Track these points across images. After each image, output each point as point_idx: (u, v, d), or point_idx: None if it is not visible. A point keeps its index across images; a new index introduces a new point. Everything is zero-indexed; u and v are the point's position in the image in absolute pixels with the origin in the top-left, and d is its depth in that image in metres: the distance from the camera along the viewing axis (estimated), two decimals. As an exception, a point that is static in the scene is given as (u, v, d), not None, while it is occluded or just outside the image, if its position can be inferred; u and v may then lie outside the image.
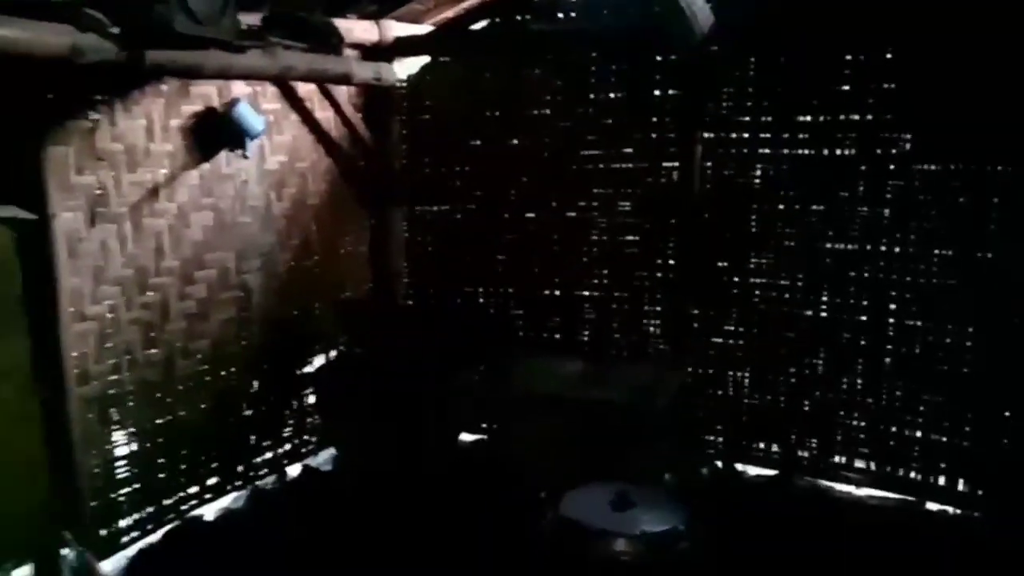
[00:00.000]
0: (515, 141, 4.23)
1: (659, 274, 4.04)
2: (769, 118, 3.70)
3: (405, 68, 4.26)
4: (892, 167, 3.52)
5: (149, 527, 3.45)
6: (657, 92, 3.89)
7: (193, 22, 2.35)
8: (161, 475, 3.49)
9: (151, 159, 3.33)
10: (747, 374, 3.93)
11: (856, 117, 3.54)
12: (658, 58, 3.86)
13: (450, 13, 4.19)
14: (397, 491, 3.65)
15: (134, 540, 3.39)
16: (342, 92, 4.05)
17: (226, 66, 2.77)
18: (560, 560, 2.70)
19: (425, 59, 4.29)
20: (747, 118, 3.74)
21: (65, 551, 2.93)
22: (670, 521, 2.63)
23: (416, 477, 3.78)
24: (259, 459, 3.97)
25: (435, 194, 4.47)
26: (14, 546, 2.66)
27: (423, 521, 3.43)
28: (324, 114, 4.07)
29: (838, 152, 3.61)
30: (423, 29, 4.20)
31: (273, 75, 3.21)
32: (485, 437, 4.38)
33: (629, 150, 3.99)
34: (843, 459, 3.78)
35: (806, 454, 3.86)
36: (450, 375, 3.91)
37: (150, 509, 3.45)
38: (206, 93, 3.48)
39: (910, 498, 3.65)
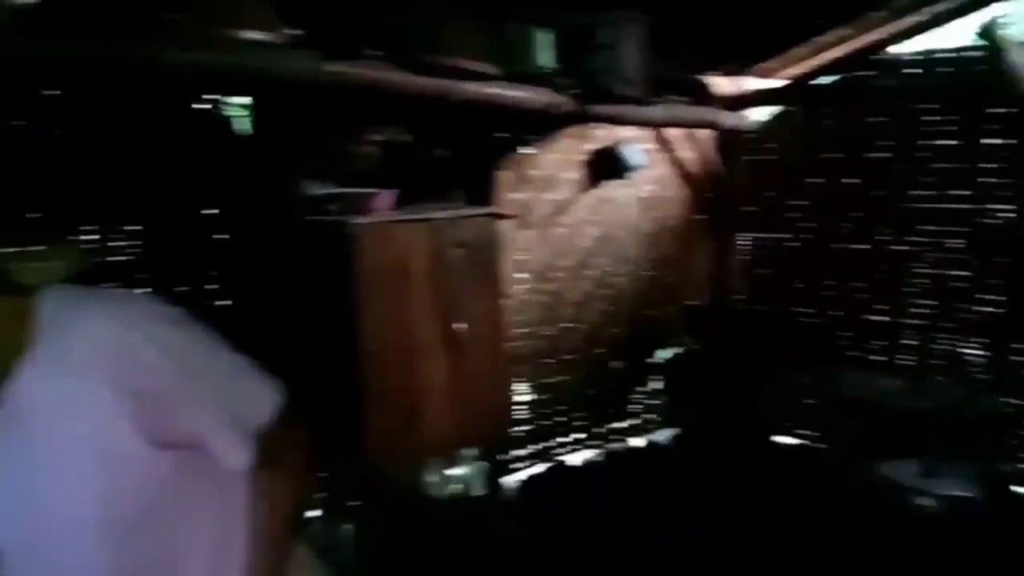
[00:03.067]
0: (848, 180, 4.86)
1: (985, 308, 4.44)
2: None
3: (756, 115, 5.06)
4: None
5: (534, 460, 4.53)
6: (990, 141, 4.34)
7: (624, 85, 3.36)
8: (544, 423, 4.56)
9: (560, 184, 4.44)
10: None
11: None
12: (991, 111, 4.32)
13: (799, 70, 4.92)
14: (731, 470, 4.38)
15: (521, 468, 4.48)
16: (702, 135, 4.96)
17: (637, 116, 3.76)
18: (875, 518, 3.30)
19: (773, 108, 5.06)
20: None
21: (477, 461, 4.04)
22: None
23: (745, 461, 4.50)
24: (613, 426, 4.93)
25: (773, 224, 5.19)
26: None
27: (748, 500, 4.11)
28: (686, 154, 4.99)
29: None
30: (774, 83, 4.98)
31: (666, 123, 4.19)
32: (798, 440, 5.00)
33: (960, 192, 4.47)
34: None
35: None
36: (780, 376, 4.62)
37: (535, 447, 4.54)
38: (602, 135, 4.54)
39: None
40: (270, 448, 1.20)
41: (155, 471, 1.15)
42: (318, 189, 2.95)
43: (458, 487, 3.41)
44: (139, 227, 3.04)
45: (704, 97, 4.37)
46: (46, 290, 1.15)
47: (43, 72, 2.54)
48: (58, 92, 2.76)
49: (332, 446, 2.81)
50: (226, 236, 3.17)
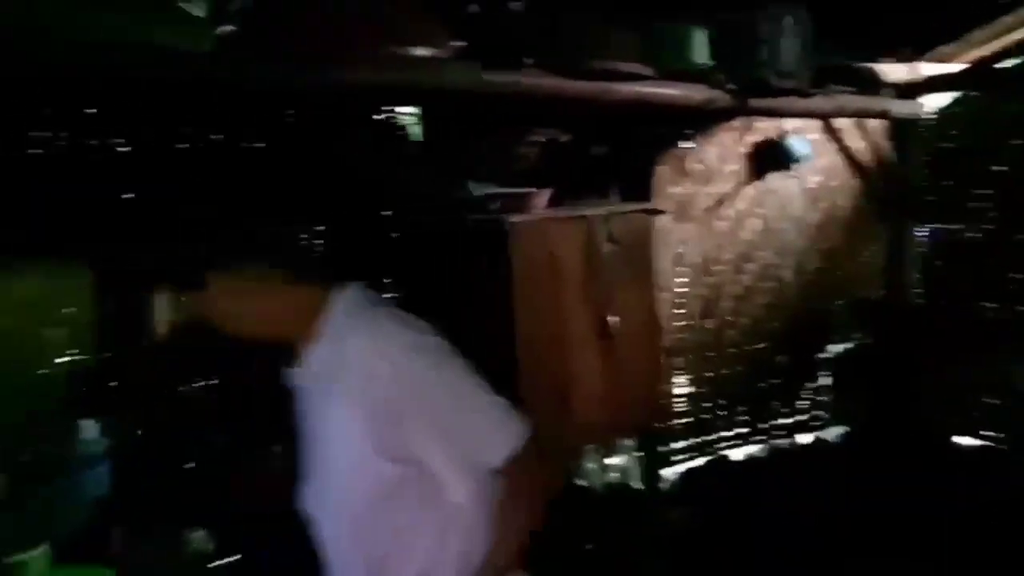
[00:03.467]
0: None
1: None
2: None
3: (932, 102, 4.84)
4: None
5: (693, 453, 4.57)
6: None
7: (783, 78, 3.36)
8: (705, 416, 4.59)
9: (720, 177, 4.45)
10: None
11: None
12: None
13: (980, 53, 4.67)
14: (904, 470, 4.25)
15: (681, 461, 4.54)
16: (874, 123, 4.80)
17: (798, 108, 3.73)
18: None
19: (952, 94, 4.82)
20: None
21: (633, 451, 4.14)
22: None
23: (920, 462, 4.34)
24: (777, 422, 4.88)
25: (952, 214, 4.95)
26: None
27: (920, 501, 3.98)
28: (855, 143, 4.85)
29: None
30: (953, 68, 4.75)
31: (827, 114, 4.12)
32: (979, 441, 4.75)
33: None
34: None
35: None
36: (959, 374, 4.42)
37: (695, 440, 4.58)
38: (764, 127, 4.51)
39: None
40: (508, 484, 1.33)
41: (381, 476, 1.33)
42: (481, 190, 3.15)
43: (615, 476, 3.53)
44: (323, 227, 3.36)
45: (874, 85, 4.25)
46: (340, 291, 1.39)
47: (245, 95, 2.88)
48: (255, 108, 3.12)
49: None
50: (398, 235, 3.46)
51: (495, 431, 1.34)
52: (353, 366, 1.31)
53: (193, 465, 2.83)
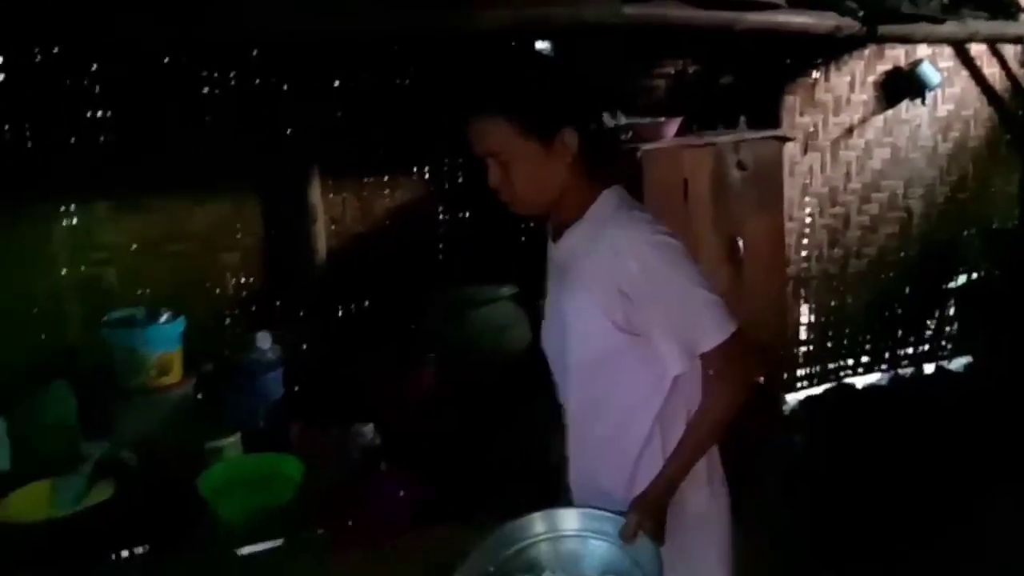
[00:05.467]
0: None
1: None
2: None
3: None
4: None
5: (815, 381, 4.66)
6: None
7: (912, 4, 3.35)
8: (828, 344, 4.66)
9: (849, 106, 4.43)
10: None
11: None
12: None
13: None
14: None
15: (802, 388, 4.63)
16: (1008, 49, 4.66)
17: (928, 34, 3.69)
18: None
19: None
20: None
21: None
22: None
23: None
24: (901, 351, 4.89)
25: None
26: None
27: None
28: (990, 70, 4.72)
29: None
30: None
31: (960, 40, 4.04)
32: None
33: None
34: None
35: None
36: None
37: (817, 368, 4.65)
38: (895, 55, 4.45)
39: None
40: (716, 368, 1.56)
41: (611, 339, 1.59)
42: (614, 121, 3.30)
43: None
44: (462, 158, 3.58)
45: (1009, 9, 4.12)
46: (609, 190, 1.63)
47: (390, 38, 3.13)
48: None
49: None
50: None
51: (710, 322, 1.53)
52: (605, 251, 1.54)
53: (353, 371, 3.12)
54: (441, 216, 3.59)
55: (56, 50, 2.88)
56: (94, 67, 2.95)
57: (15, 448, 2.60)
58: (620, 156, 3.19)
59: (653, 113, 3.44)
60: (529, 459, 2.51)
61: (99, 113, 2.99)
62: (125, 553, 2.25)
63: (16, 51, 2.82)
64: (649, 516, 1.52)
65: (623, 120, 3.30)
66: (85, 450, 2.54)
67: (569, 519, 1.60)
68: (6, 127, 2.87)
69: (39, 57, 2.87)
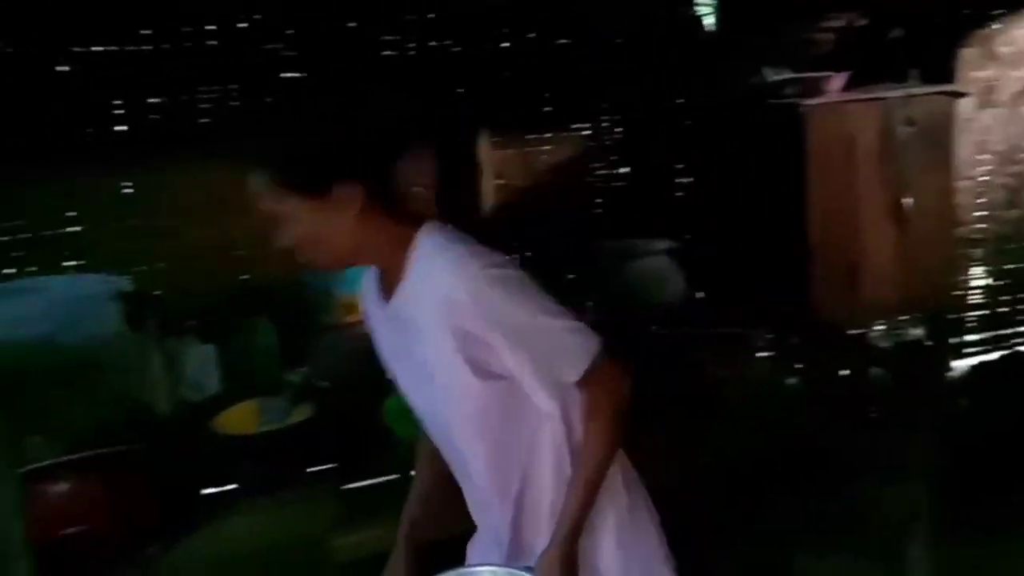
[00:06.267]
0: None
1: None
2: None
3: None
4: None
5: (987, 347, 4.49)
6: None
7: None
8: (1002, 309, 4.47)
9: (1032, 59, 4.20)
10: None
11: None
12: None
13: None
14: None
15: (973, 353, 4.48)
16: None
17: None
18: None
19: None
20: None
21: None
22: None
23: None
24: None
25: None
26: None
27: None
28: None
29: None
30: None
31: None
32: None
33: None
34: None
35: None
36: None
37: (989, 334, 4.49)
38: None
39: None
40: (588, 399, 1.46)
41: (484, 392, 1.45)
42: (776, 75, 3.31)
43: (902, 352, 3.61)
44: (620, 116, 3.71)
45: None
46: (425, 231, 1.46)
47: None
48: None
49: (779, 301, 3.26)
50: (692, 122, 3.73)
51: (568, 350, 1.41)
52: (441, 297, 1.39)
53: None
54: (600, 171, 3.72)
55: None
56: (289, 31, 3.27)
57: (224, 373, 2.99)
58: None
59: (818, 68, 3.42)
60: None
61: (293, 74, 3.31)
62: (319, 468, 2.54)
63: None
64: (556, 568, 1.42)
65: (787, 75, 3.31)
66: (285, 377, 2.87)
67: None
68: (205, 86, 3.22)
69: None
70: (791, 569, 2.57)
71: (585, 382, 1.44)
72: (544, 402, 1.48)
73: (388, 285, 1.52)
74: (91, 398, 2.60)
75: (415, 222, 1.48)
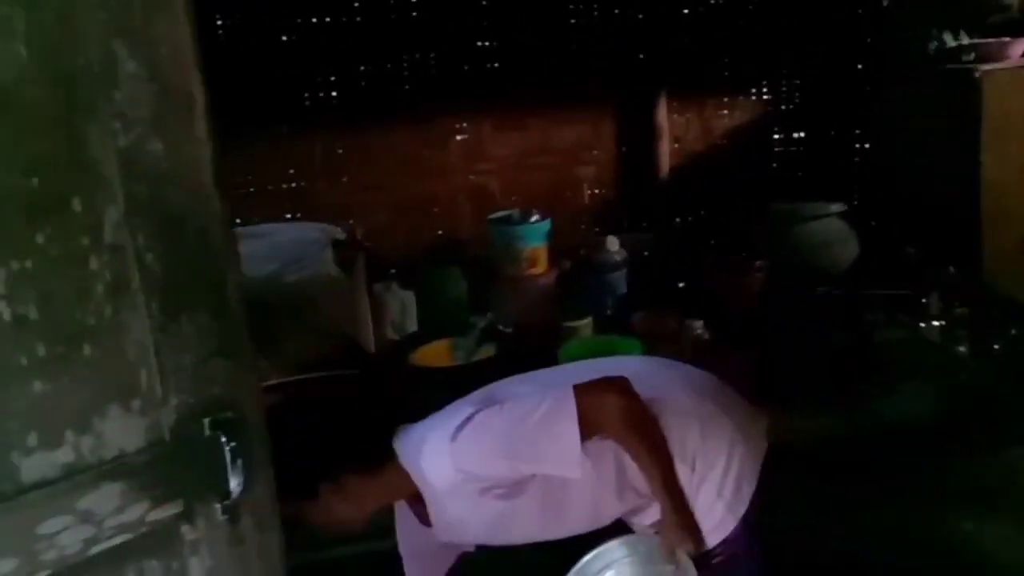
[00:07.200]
0: None
1: None
2: None
3: None
4: None
5: None
6: None
7: None
8: None
9: None
10: None
11: None
12: None
13: None
14: None
15: None
16: None
17: None
18: None
19: None
20: None
21: None
22: None
23: None
24: None
25: None
26: None
27: None
28: None
29: None
30: None
31: None
32: None
33: None
34: None
35: None
36: None
37: None
38: None
39: None
40: (604, 432, 1.48)
41: (499, 502, 1.50)
42: (955, 40, 3.29)
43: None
44: (799, 81, 3.78)
45: None
46: (396, 442, 1.52)
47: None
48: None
49: (950, 264, 3.25)
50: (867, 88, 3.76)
51: (556, 434, 1.44)
52: (451, 438, 1.46)
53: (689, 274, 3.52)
54: (776, 135, 3.82)
55: None
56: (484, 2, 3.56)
57: (421, 315, 3.35)
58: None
59: (1002, 33, 3.36)
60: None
61: (486, 43, 3.59)
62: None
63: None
64: (680, 534, 1.49)
65: (965, 40, 3.28)
66: (472, 320, 3.18)
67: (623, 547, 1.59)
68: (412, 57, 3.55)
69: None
70: (944, 530, 2.61)
71: (585, 429, 1.44)
72: (571, 472, 1.47)
73: (423, 515, 1.59)
74: (310, 330, 2.98)
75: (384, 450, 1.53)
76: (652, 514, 1.56)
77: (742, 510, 1.56)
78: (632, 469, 1.52)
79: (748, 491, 1.58)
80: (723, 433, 1.58)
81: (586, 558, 1.58)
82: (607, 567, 1.58)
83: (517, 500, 1.50)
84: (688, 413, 1.57)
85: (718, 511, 1.55)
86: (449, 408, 1.55)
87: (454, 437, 1.44)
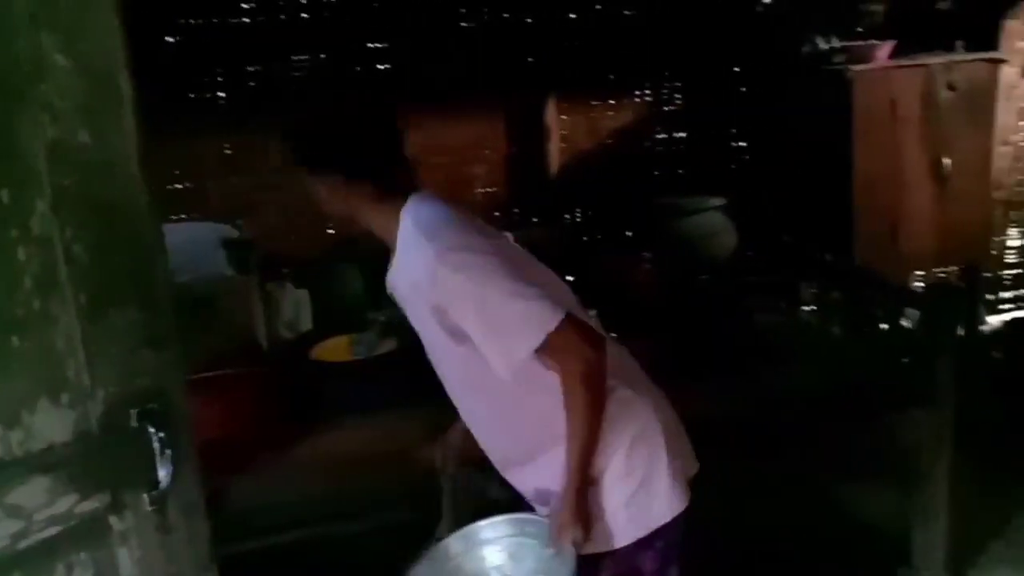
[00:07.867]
0: None
1: None
2: None
3: None
4: None
5: (1021, 304, 4.66)
6: None
7: None
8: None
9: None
10: None
11: None
12: None
13: None
14: None
15: (1008, 310, 4.65)
16: None
17: None
18: None
19: None
20: None
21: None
22: None
23: None
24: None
25: None
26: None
27: None
28: None
29: None
30: None
31: None
32: None
33: None
34: None
35: None
36: None
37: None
38: None
39: None
40: (556, 367, 1.48)
41: (465, 356, 1.51)
42: (827, 43, 3.54)
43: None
44: (680, 83, 3.96)
45: None
46: (409, 207, 1.53)
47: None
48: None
49: (824, 251, 3.50)
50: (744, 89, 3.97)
51: (519, 329, 1.44)
52: (409, 278, 1.51)
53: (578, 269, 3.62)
54: (659, 134, 3.99)
55: None
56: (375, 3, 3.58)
57: (317, 313, 3.34)
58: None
59: (870, 37, 3.63)
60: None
61: (377, 44, 3.62)
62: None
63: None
64: (568, 522, 1.48)
65: (837, 43, 3.53)
66: (371, 316, 3.20)
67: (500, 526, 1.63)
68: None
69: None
70: (827, 495, 2.81)
71: (548, 354, 1.46)
72: (497, 369, 1.47)
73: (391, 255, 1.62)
74: (206, 329, 2.94)
75: (405, 197, 1.55)
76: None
77: (644, 532, 1.55)
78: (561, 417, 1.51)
79: (660, 515, 1.56)
80: (656, 439, 1.58)
81: (477, 524, 1.63)
82: (494, 540, 1.63)
83: (450, 342, 1.51)
84: (636, 407, 1.59)
85: (620, 519, 1.55)
86: (469, 222, 1.55)
87: (452, 248, 1.45)
